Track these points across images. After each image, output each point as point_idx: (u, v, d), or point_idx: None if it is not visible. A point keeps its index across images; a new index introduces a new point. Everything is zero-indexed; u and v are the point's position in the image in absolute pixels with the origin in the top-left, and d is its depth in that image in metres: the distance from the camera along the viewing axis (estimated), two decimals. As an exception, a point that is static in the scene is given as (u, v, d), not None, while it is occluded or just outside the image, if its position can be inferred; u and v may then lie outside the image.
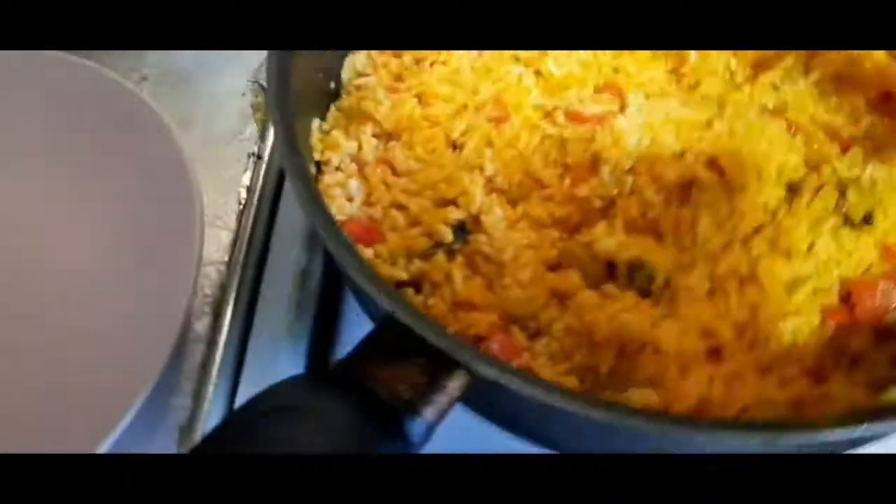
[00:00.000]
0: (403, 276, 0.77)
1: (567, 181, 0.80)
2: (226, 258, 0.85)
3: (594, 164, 0.80)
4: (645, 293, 0.76)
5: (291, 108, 0.76)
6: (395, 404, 0.56)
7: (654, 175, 0.80)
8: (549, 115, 0.86)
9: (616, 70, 0.88)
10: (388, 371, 0.58)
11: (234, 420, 0.51)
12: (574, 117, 0.84)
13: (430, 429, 0.58)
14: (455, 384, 0.58)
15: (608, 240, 0.76)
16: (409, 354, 0.58)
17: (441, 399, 0.58)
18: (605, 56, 0.88)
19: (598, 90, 0.87)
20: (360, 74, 0.92)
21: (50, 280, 0.81)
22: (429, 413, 0.57)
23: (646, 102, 0.85)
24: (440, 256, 0.78)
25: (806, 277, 0.74)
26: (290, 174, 0.68)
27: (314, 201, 0.65)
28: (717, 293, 0.75)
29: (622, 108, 0.85)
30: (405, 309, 0.57)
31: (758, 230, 0.76)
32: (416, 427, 0.57)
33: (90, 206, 0.83)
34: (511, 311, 0.76)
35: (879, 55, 0.85)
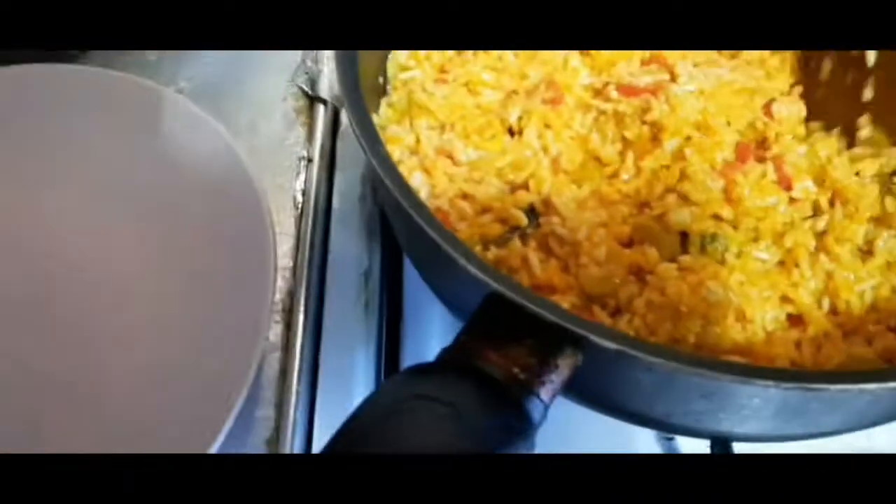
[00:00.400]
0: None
1: (630, 156, 0.80)
2: (290, 264, 0.84)
3: (655, 135, 0.80)
4: (720, 263, 0.76)
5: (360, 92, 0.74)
6: (514, 386, 0.56)
7: (714, 142, 0.80)
8: (600, 92, 0.85)
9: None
10: (498, 353, 0.57)
11: (370, 415, 0.50)
12: (627, 91, 0.83)
13: (546, 409, 0.58)
14: (566, 362, 0.58)
15: (681, 211, 0.76)
16: (517, 335, 0.57)
17: (554, 379, 0.57)
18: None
19: (644, 63, 0.88)
20: (404, 69, 0.92)
21: (131, 303, 0.79)
22: (544, 393, 0.57)
23: (696, 70, 0.85)
24: (515, 241, 0.77)
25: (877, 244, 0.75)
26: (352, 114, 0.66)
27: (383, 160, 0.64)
28: (788, 264, 0.76)
29: (673, 78, 0.85)
30: (514, 287, 0.57)
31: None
32: (536, 408, 0.56)
33: (160, 229, 0.81)
34: (590, 291, 0.75)
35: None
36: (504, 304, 0.58)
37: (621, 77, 0.85)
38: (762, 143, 0.81)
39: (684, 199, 0.77)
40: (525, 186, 0.80)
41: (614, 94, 0.84)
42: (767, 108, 0.83)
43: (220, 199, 0.79)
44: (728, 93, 0.83)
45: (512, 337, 0.58)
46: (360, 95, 0.71)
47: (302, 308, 0.81)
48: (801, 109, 0.83)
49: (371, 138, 0.67)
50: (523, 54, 0.90)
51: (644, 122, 0.80)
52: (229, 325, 0.74)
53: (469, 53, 0.92)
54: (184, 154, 0.81)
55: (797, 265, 0.75)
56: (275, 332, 0.81)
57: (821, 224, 0.76)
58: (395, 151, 0.83)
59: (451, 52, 0.92)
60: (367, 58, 0.79)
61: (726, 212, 0.75)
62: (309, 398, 0.80)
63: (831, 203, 0.77)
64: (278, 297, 0.81)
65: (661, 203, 0.77)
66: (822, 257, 0.75)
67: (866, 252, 0.76)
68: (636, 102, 0.81)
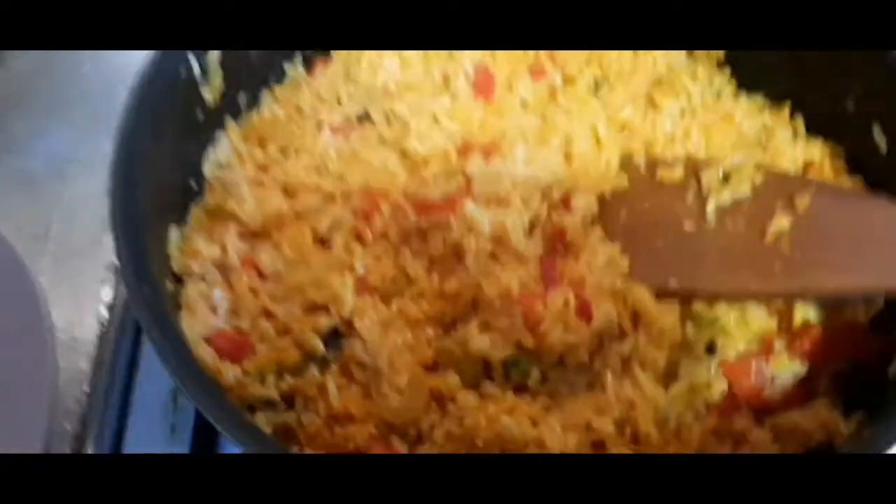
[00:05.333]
0: (274, 394, 0.73)
1: (435, 275, 0.77)
2: (86, 389, 0.78)
3: (457, 253, 0.78)
4: (523, 388, 0.74)
5: (140, 221, 0.71)
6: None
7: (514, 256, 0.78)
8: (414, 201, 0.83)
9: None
10: None
11: None
12: (420, 208, 0.80)
13: None
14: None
15: (482, 338, 0.73)
16: None
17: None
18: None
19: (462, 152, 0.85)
20: (222, 167, 0.88)
21: None
22: None
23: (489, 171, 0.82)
24: (312, 371, 0.74)
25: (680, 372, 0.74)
26: (138, 310, 0.63)
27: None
28: (596, 387, 0.74)
29: (468, 187, 0.81)
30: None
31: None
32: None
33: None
34: (390, 420, 0.73)
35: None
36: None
37: (416, 192, 0.82)
38: (561, 236, 0.79)
39: (486, 325, 0.74)
40: (326, 308, 0.77)
41: (411, 214, 0.81)
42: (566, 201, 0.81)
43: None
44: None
45: None
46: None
47: (93, 438, 0.76)
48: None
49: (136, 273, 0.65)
50: (346, 154, 0.88)
51: (445, 241, 0.77)
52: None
53: (292, 151, 0.89)
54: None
55: (603, 389, 0.74)
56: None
57: (626, 348, 0.74)
58: (196, 265, 0.79)
59: (273, 151, 0.89)
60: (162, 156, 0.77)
61: (528, 340, 0.73)
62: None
63: (634, 325, 0.75)
64: (69, 425, 0.76)
65: (464, 328, 0.75)
66: (627, 383, 0.73)
67: (670, 376, 0.75)
68: (436, 219, 0.79)
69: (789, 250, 0.72)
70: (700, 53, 0.94)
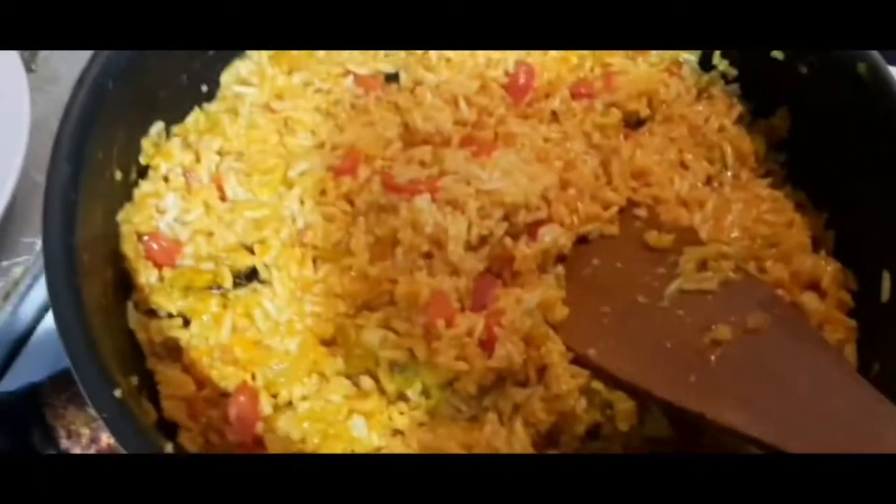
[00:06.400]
0: (172, 310, 0.74)
1: (366, 255, 0.75)
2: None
3: (393, 240, 0.74)
4: (403, 396, 0.71)
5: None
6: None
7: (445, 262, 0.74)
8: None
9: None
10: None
11: None
12: (388, 185, 0.77)
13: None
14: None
15: (376, 332, 0.71)
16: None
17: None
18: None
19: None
20: (241, 82, 0.89)
21: None
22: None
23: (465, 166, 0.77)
24: (215, 300, 0.74)
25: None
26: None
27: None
28: (477, 423, 0.70)
29: (442, 173, 0.77)
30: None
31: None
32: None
33: None
34: (269, 378, 0.72)
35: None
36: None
37: (391, 168, 0.79)
38: (508, 262, 0.75)
39: (387, 322, 0.72)
40: (251, 250, 0.77)
41: (376, 187, 0.78)
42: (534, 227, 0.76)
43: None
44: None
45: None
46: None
47: None
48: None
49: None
50: (357, 108, 0.86)
51: (389, 225, 0.74)
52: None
53: (311, 88, 0.88)
54: None
55: (481, 429, 0.70)
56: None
57: (520, 398, 0.70)
58: (163, 167, 0.80)
59: (295, 81, 0.89)
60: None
61: (421, 352, 0.70)
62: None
63: (539, 377, 0.70)
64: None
65: (366, 317, 0.73)
66: (503, 433, 0.69)
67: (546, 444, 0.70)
68: (395, 200, 0.76)
69: (714, 365, 0.64)
70: (762, 125, 0.85)
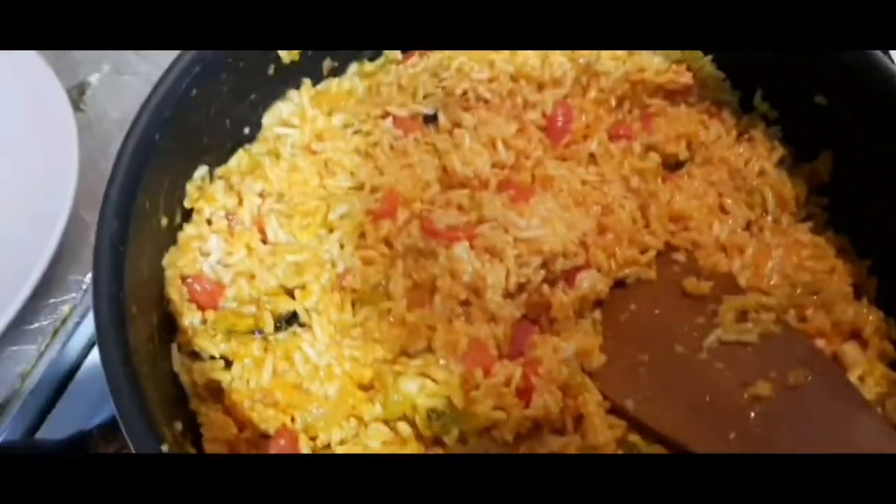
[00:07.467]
0: (214, 352, 0.76)
1: (404, 300, 0.76)
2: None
3: (432, 287, 0.75)
4: (440, 441, 0.72)
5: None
6: None
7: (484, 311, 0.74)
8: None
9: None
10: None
11: None
12: (427, 229, 0.78)
13: None
14: None
15: (414, 381, 0.72)
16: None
17: None
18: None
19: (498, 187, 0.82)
20: (285, 124, 0.90)
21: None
22: None
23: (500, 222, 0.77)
24: (256, 343, 0.76)
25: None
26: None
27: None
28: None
29: (481, 220, 0.78)
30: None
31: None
32: None
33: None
34: (309, 422, 0.73)
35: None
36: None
37: (430, 212, 0.80)
38: (546, 309, 0.75)
39: (425, 371, 0.72)
40: (292, 293, 0.78)
41: (415, 231, 0.79)
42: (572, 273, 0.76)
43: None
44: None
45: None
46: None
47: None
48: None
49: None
50: (397, 150, 0.87)
51: (427, 271, 0.75)
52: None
53: (350, 130, 0.89)
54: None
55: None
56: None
57: (556, 446, 0.70)
58: (207, 210, 0.82)
59: (335, 122, 0.90)
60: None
61: (458, 401, 0.70)
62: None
63: (575, 427, 0.70)
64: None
65: (404, 364, 0.73)
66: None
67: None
68: (433, 245, 0.76)
69: (752, 422, 0.64)
70: (805, 168, 0.84)
